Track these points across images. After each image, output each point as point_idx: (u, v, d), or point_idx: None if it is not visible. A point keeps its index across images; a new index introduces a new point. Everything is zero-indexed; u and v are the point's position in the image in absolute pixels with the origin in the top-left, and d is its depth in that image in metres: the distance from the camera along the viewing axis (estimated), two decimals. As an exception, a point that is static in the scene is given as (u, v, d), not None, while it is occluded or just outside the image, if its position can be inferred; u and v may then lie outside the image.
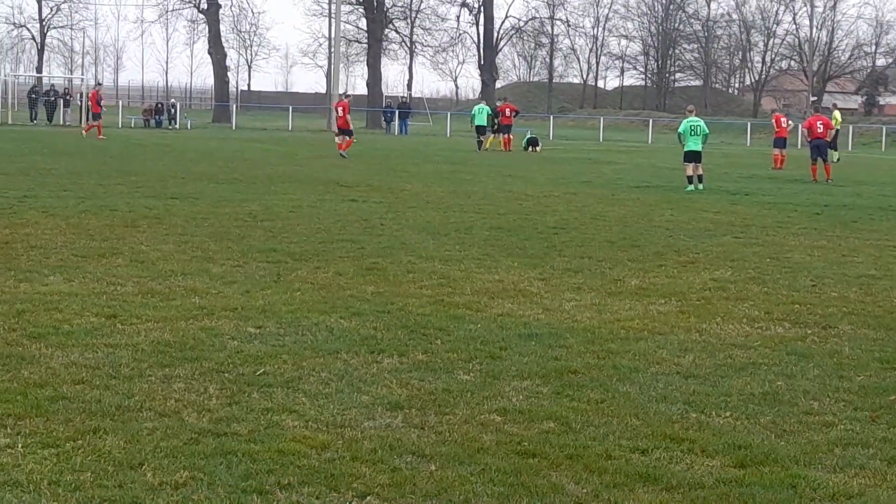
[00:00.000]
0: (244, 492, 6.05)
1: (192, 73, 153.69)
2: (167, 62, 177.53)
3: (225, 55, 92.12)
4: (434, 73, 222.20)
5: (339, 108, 41.69)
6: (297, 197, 22.63)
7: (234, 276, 12.90)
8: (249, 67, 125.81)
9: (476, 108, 54.26)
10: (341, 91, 54.67)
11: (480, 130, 51.19)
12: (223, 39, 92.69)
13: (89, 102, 49.62)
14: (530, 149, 50.94)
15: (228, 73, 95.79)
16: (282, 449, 6.73)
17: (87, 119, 51.43)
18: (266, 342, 9.56)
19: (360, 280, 12.88)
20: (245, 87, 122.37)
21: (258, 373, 8.54)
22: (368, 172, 31.19)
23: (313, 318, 10.55)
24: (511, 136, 50.87)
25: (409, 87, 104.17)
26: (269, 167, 32.26)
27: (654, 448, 7.00)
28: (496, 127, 51.22)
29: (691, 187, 28.93)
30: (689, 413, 7.85)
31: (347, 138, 40.38)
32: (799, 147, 54.30)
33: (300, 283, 12.50)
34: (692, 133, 29.91)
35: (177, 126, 66.01)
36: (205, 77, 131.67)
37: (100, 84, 59.78)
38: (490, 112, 51.99)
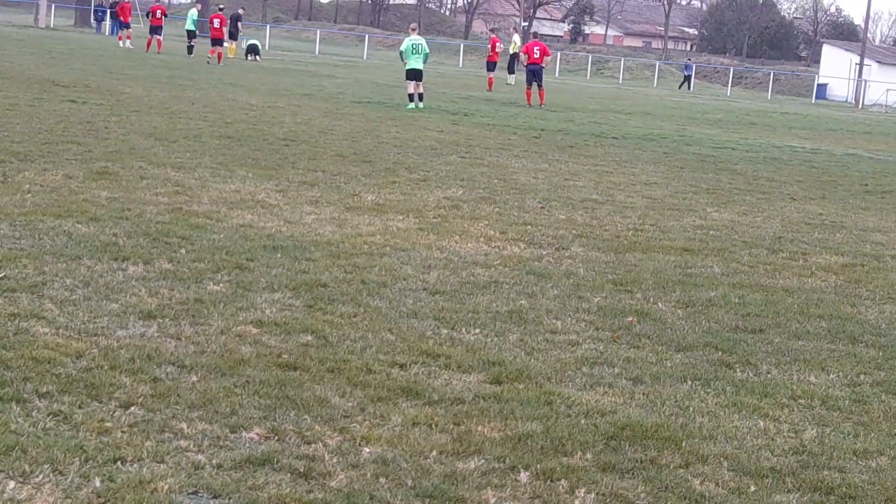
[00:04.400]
0: (2, 400, 5.80)
1: None
2: None
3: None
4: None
5: (216, 21, 45.34)
6: (11, 94, 21.61)
7: (-43, 174, 12.28)
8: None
9: (189, 12, 53.16)
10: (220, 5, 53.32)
11: (190, 35, 50.18)
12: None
13: None
14: (250, 56, 50.33)
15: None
16: (35, 356, 6.47)
17: None
18: (2, 244, 9.16)
19: (91, 184, 12.48)
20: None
21: (-2, 277, 8.20)
22: (84, 73, 30.07)
23: (48, 222, 10.16)
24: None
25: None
26: (-25, 61, 30.67)
27: (411, 363, 7.08)
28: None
29: (412, 105, 29.19)
30: (441, 329, 7.97)
31: (218, 48, 43.80)
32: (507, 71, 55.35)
33: (29, 185, 12.01)
34: (414, 52, 30.14)
35: None
36: None
37: None
38: (196, 18, 50.99)
